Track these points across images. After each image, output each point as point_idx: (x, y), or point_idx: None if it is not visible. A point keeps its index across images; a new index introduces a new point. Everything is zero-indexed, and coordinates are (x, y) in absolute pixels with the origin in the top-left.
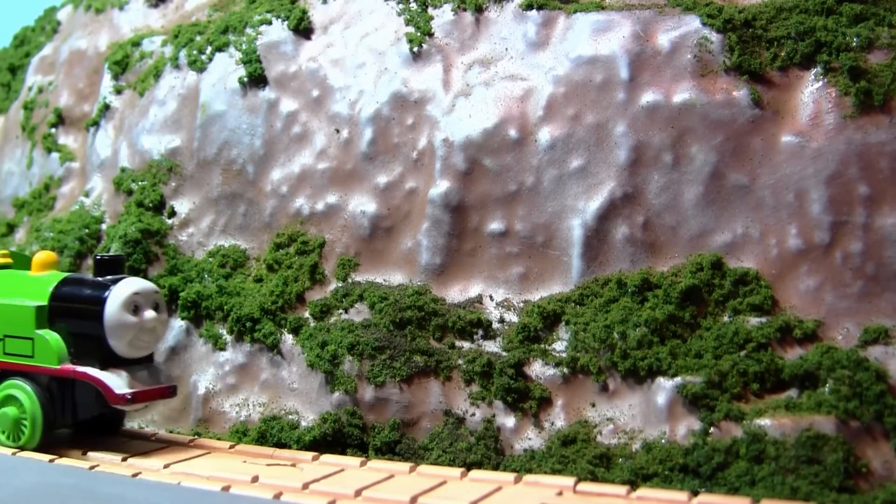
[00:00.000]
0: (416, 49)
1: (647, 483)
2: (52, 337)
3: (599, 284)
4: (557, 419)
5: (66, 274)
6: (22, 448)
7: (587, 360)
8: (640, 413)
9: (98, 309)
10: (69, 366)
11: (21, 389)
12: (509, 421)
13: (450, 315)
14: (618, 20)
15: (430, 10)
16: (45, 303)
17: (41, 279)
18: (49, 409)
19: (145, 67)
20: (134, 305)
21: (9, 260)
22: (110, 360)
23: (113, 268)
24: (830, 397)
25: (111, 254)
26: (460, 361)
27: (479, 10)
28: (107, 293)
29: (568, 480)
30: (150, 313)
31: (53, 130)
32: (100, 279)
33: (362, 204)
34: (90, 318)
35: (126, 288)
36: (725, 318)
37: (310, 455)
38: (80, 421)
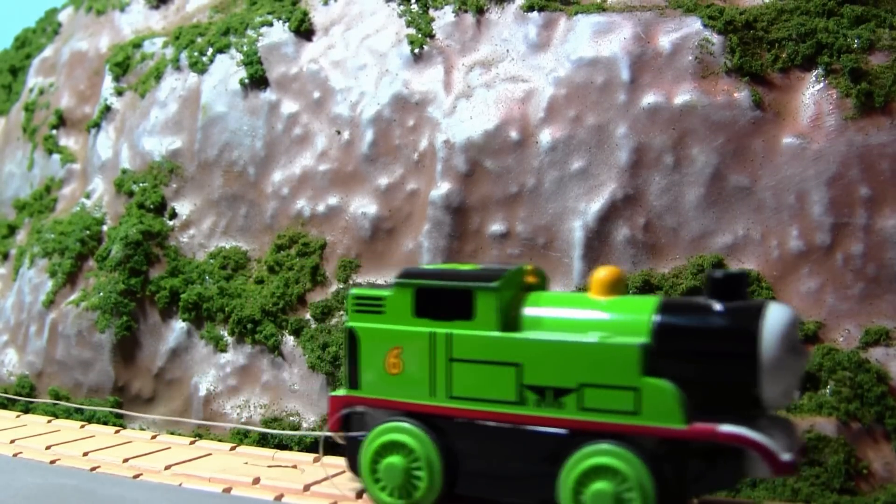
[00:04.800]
0: (417, 51)
1: None
2: (666, 386)
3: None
4: None
5: (656, 298)
6: None
7: None
8: None
9: (747, 347)
10: (706, 425)
11: (621, 459)
12: None
13: None
14: (619, 22)
15: (432, 12)
16: (645, 339)
17: (618, 305)
18: (661, 485)
19: (146, 69)
20: (792, 340)
21: (535, 279)
22: (743, 414)
23: (733, 288)
24: (831, 399)
25: (731, 270)
26: None
27: (480, 11)
28: (758, 325)
29: None
30: (805, 348)
31: (54, 132)
32: (727, 305)
33: (363, 205)
34: (730, 358)
35: (781, 317)
36: None
37: (311, 456)
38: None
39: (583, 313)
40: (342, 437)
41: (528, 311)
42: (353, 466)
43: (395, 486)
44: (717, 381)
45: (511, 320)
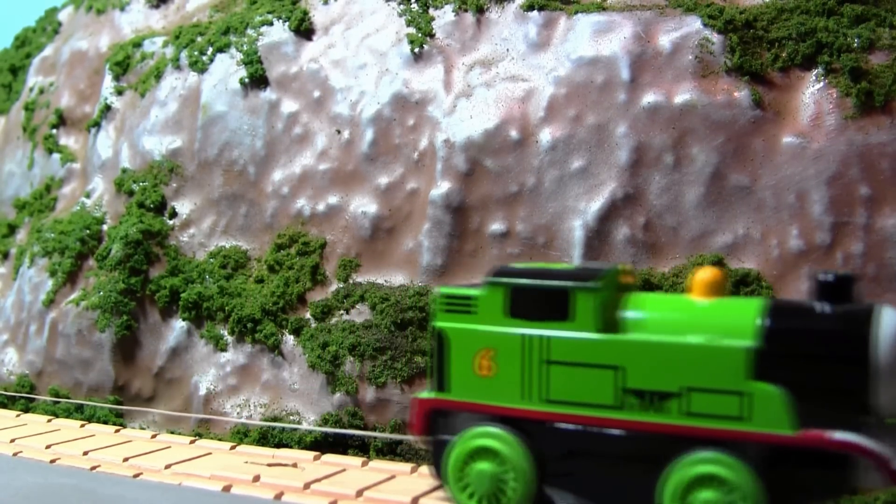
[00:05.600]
0: (417, 50)
1: None
2: (775, 391)
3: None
4: None
5: (761, 300)
6: None
7: None
8: None
9: (859, 351)
10: (816, 432)
11: (728, 467)
12: None
13: None
14: (619, 21)
15: (432, 11)
16: (752, 342)
17: (721, 306)
18: (768, 495)
19: (146, 68)
20: None
21: (630, 279)
22: (853, 421)
23: (841, 291)
24: None
25: (839, 272)
26: None
27: (480, 10)
28: (870, 328)
29: None
30: None
31: (54, 131)
32: (836, 308)
33: (363, 205)
34: (840, 363)
35: (894, 320)
36: None
37: (311, 455)
38: None
39: (685, 315)
40: (427, 441)
41: (627, 311)
42: (438, 471)
43: (483, 493)
44: (827, 386)
45: (610, 321)
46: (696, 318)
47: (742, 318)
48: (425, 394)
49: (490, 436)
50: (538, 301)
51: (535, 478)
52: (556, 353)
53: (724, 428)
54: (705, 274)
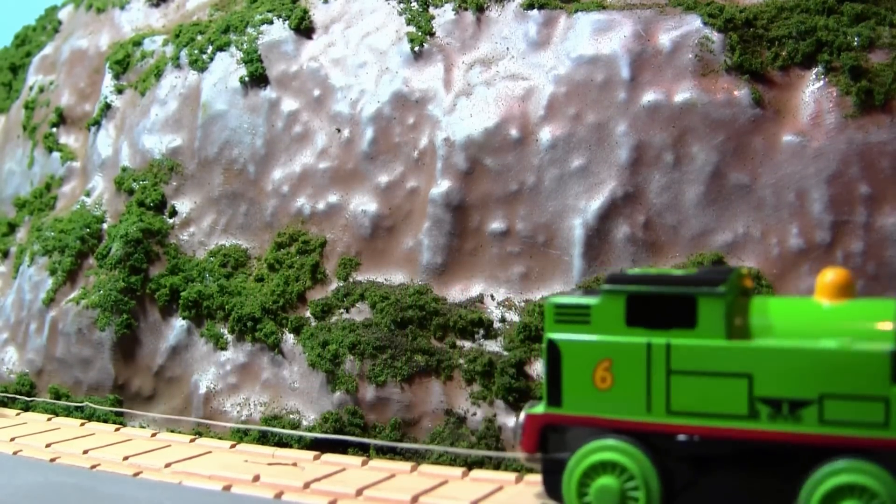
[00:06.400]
0: (417, 48)
1: None
2: None
3: (601, 284)
4: None
5: (892, 302)
6: None
7: None
8: None
9: None
10: None
11: (872, 476)
12: (510, 420)
13: (451, 314)
14: (619, 20)
15: (432, 10)
16: (894, 346)
17: (854, 309)
18: None
19: (146, 67)
20: None
21: (750, 283)
22: None
23: None
24: None
25: None
26: (461, 361)
27: (480, 9)
28: None
29: None
30: None
31: (54, 130)
32: None
33: (363, 203)
34: None
35: None
36: None
37: (311, 454)
38: None
39: (814, 318)
40: (540, 458)
41: (754, 316)
42: (553, 490)
43: None
44: None
45: (736, 327)
46: (826, 321)
47: (877, 321)
48: (536, 409)
49: (612, 449)
50: (661, 308)
51: (664, 493)
52: (680, 363)
53: (866, 436)
54: (832, 275)
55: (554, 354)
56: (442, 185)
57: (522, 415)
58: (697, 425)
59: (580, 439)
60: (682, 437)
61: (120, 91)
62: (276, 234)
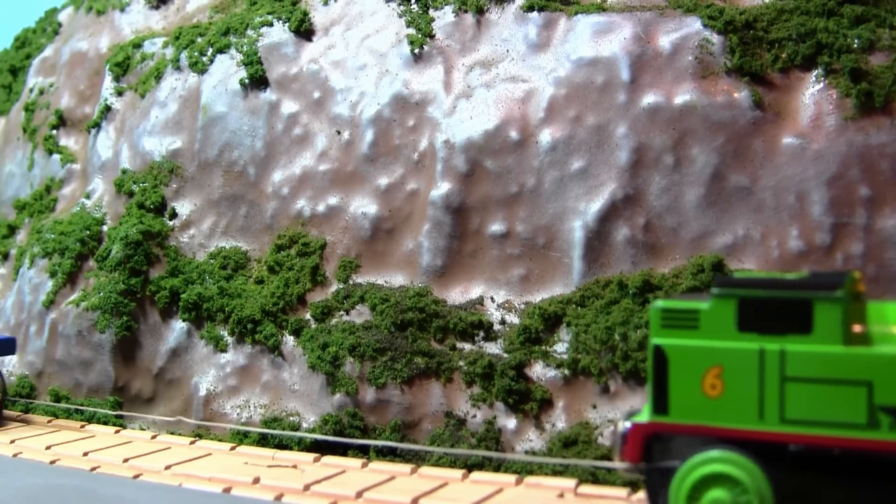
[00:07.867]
0: (417, 51)
1: None
2: None
3: (600, 286)
4: (558, 421)
5: None
6: None
7: (588, 361)
8: None
9: None
10: None
11: None
12: (510, 422)
13: (451, 317)
14: (619, 22)
15: (431, 12)
16: None
17: None
18: None
19: (146, 69)
20: None
21: (863, 287)
22: None
23: None
24: None
25: None
26: (461, 363)
27: (480, 11)
28: None
29: (569, 482)
30: None
31: (54, 132)
32: None
33: (363, 205)
34: None
35: None
36: None
37: (311, 456)
38: None
39: None
40: (645, 468)
41: (872, 322)
42: (656, 501)
43: None
44: None
45: (853, 333)
46: None
47: None
48: (640, 417)
49: (724, 460)
50: (775, 313)
51: None
52: (795, 369)
53: None
54: None
55: (660, 360)
56: (442, 187)
57: (624, 423)
58: (815, 435)
59: (687, 448)
60: (797, 448)
61: (120, 93)
62: (276, 236)
